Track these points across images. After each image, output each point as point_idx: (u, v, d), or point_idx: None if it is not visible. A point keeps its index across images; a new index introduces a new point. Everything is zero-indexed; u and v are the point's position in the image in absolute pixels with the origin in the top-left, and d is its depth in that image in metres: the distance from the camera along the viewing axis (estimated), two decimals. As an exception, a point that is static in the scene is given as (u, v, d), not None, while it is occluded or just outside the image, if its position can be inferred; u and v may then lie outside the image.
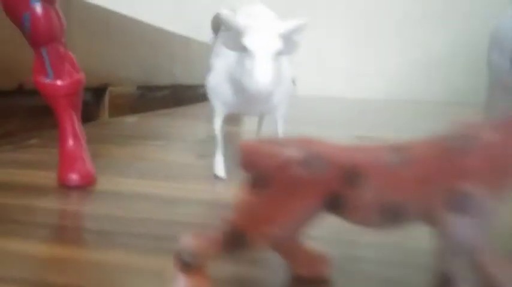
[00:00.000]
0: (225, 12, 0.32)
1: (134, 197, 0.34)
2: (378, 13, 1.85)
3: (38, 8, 0.34)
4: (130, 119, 0.88)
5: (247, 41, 0.31)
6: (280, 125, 0.40)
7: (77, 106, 0.37)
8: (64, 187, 0.35)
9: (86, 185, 0.36)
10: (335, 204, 0.17)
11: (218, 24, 0.46)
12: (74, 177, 0.35)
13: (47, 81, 0.35)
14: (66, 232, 0.27)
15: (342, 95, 1.85)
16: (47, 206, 0.31)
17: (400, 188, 0.17)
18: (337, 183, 0.17)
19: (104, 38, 0.92)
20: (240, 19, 0.33)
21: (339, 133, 0.76)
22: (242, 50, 0.32)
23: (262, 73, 0.30)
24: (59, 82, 0.36)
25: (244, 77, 0.32)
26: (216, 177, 0.40)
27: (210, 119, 0.40)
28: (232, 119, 0.52)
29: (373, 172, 0.17)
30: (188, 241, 0.18)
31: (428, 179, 0.17)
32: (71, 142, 0.37)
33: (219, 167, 0.40)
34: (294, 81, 0.39)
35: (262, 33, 0.31)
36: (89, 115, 0.91)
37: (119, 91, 0.98)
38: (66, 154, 0.36)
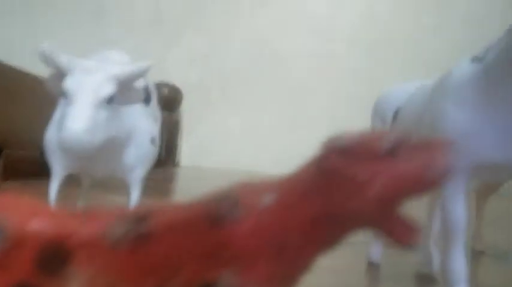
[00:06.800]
0: (47, 47, 0.26)
1: None
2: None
3: None
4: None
5: (67, 82, 0.26)
6: (134, 193, 0.33)
7: None
8: None
9: None
10: None
11: None
12: None
13: None
14: None
15: (247, 168, 1.84)
16: None
17: (125, 277, 0.11)
18: (26, 268, 0.11)
19: (5, 97, 0.84)
20: (65, 58, 0.27)
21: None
22: (65, 94, 0.26)
23: (73, 119, 0.24)
24: None
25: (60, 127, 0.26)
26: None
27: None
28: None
29: (87, 250, 0.11)
30: None
31: (169, 264, 0.11)
32: None
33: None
34: (154, 141, 0.34)
35: (87, 74, 0.26)
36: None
37: (18, 155, 0.88)
38: None
